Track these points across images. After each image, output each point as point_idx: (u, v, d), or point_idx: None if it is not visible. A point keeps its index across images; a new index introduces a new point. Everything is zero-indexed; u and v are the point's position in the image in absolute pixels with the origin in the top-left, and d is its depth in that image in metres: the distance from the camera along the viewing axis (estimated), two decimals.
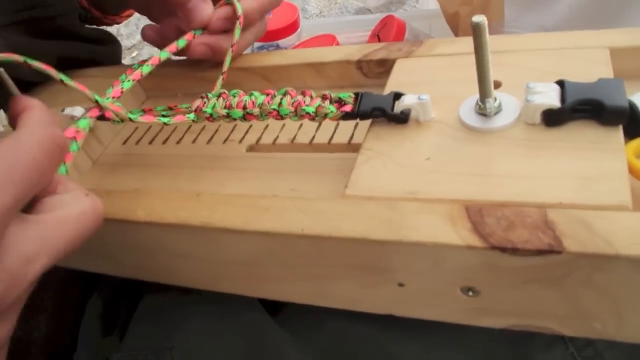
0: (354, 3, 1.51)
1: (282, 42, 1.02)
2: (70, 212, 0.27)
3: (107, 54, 0.57)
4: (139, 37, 1.54)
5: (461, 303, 0.30)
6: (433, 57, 0.39)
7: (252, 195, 0.33)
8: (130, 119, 0.37)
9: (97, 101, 0.36)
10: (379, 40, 1.07)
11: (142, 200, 0.35)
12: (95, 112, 0.37)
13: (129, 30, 1.55)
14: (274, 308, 0.42)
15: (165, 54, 0.41)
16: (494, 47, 0.30)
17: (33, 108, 0.27)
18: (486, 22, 0.29)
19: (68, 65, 0.53)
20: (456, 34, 1.01)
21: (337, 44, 0.98)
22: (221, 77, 0.42)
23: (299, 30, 1.03)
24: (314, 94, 0.36)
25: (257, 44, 1.04)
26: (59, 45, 0.51)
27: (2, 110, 0.50)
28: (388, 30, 1.04)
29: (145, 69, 0.39)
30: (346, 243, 0.29)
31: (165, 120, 0.38)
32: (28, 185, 0.24)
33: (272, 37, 1.01)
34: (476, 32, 0.29)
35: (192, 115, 0.38)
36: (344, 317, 0.38)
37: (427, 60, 0.39)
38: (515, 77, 0.34)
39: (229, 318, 0.40)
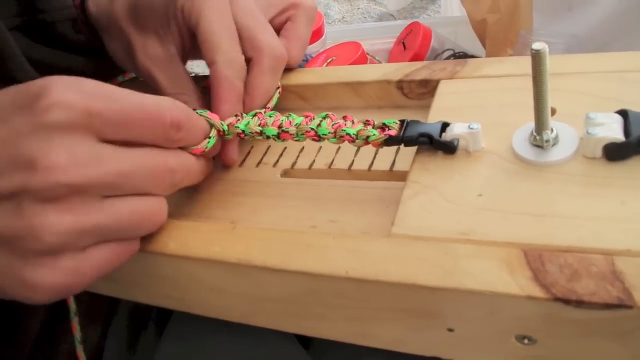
0: (377, 8, 1.49)
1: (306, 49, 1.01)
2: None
3: (118, 69, 0.56)
4: None
5: (515, 350, 0.28)
6: (479, 79, 0.37)
7: (291, 231, 0.32)
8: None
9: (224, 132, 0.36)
10: (405, 48, 1.05)
11: (173, 232, 0.33)
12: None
13: None
14: (306, 339, 0.40)
15: None
16: None
17: None
18: (547, 50, 0.27)
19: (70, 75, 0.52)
20: (483, 42, 0.99)
21: (363, 51, 0.96)
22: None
23: (323, 37, 1.01)
24: (356, 120, 0.34)
25: None
26: (59, 54, 0.50)
27: None
28: (414, 37, 1.02)
29: None
30: (394, 288, 0.27)
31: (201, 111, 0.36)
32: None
33: None
34: (536, 60, 0.27)
35: (224, 127, 0.36)
36: (381, 354, 0.36)
37: (473, 82, 0.36)
38: (571, 104, 0.32)
39: (261, 349, 0.39)
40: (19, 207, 0.26)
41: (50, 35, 0.49)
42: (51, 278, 0.27)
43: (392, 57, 1.06)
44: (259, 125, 0.36)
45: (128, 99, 0.29)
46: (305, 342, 0.40)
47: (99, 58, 0.51)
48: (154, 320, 0.48)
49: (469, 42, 1.04)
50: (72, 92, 0.27)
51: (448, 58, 1.01)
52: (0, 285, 0.27)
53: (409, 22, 1.08)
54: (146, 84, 0.47)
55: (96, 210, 0.27)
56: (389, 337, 0.31)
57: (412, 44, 1.02)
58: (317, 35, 1.00)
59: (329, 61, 0.97)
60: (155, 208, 0.31)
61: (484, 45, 0.99)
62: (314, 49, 1.01)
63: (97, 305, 0.48)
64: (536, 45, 0.27)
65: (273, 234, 0.31)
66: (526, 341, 0.27)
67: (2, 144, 0.26)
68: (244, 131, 0.36)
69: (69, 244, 0.27)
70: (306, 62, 1.02)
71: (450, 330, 0.28)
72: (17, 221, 0.26)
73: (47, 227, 0.26)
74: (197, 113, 0.34)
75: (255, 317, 0.35)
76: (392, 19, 1.43)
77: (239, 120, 0.36)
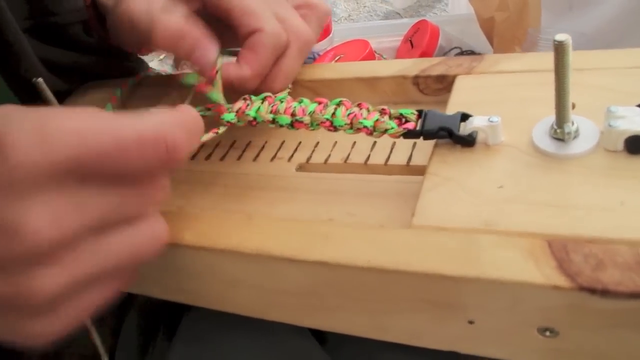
0: (383, 6, 1.49)
1: (314, 46, 1.01)
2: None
3: (127, 69, 0.56)
4: None
5: (536, 343, 0.27)
6: (496, 74, 0.36)
7: (309, 221, 0.32)
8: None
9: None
10: (412, 46, 1.05)
11: (189, 222, 0.33)
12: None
13: None
14: (321, 335, 0.40)
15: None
16: None
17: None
18: (570, 41, 0.27)
19: (80, 75, 0.53)
20: (490, 40, 0.99)
21: (371, 48, 0.97)
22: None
23: (331, 35, 1.01)
24: (371, 108, 0.34)
25: None
26: (70, 54, 0.50)
27: None
28: (421, 35, 1.03)
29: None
30: (415, 277, 0.27)
31: (204, 112, 0.35)
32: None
33: None
34: (559, 52, 0.27)
35: (232, 116, 0.35)
36: (397, 350, 0.36)
37: (490, 77, 0.36)
38: (591, 98, 0.32)
39: (276, 345, 0.38)
40: (4, 273, 0.24)
41: (61, 37, 0.49)
42: (51, 327, 0.25)
43: (399, 55, 1.06)
44: (271, 112, 0.35)
45: (107, 133, 0.24)
46: (320, 337, 0.40)
47: (110, 57, 0.51)
48: (164, 323, 0.48)
49: (476, 40, 1.04)
50: (34, 146, 0.23)
51: (455, 56, 1.01)
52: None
53: (415, 20, 1.07)
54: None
55: (89, 256, 0.25)
56: (407, 330, 0.31)
57: (420, 41, 1.02)
58: (324, 33, 1.00)
59: (336, 58, 0.97)
60: (153, 232, 0.28)
61: (491, 43, 0.99)
62: (322, 46, 1.01)
63: (106, 309, 0.48)
64: (559, 37, 0.27)
65: (291, 225, 0.31)
66: (548, 333, 0.27)
67: None
68: (255, 118, 0.35)
69: (66, 295, 0.25)
70: (313, 59, 1.02)
71: (471, 322, 0.28)
72: (6, 287, 0.24)
73: (39, 289, 0.24)
74: (200, 114, 0.32)
75: (271, 311, 0.34)
76: (398, 17, 1.43)
77: (248, 105, 0.36)
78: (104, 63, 0.52)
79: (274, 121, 0.35)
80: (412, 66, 0.39)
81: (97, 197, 0.25)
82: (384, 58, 1.05)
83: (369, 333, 0.32)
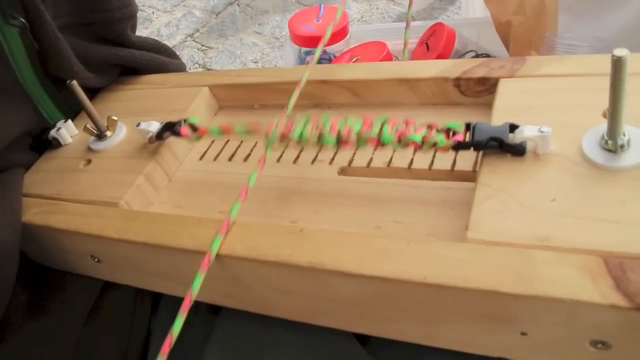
0: (396, 8, 1.49)
1: (330, 48, 1.01)
2: None
3: (164, 65, 0.56)
4: (179, 37, 1.53)
5: (587, 355, 0.28)
6: (540, 78, 0.36)
7: (363, 234, 0.31)
8: None
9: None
10: (428, 48, 1.05)
11: (238, 232, 0.33)
12: None
13: (170, 31, 1.54)
14: (363, 336, 0.40)
15: None
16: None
17: None
18: (629, 57, 0.27)
19: (117, 70, 0.53)
20: (506, 44, 0.99)
21: (388, 51, 0.96)
22: None
23: (348, 36, 1.01)
24: (417, 123, 0.34)
25: (304, 49, 1.03)
26: (112, 51, 0.50)
27: (70, 121, 0.49)
28: (437, 38, 1.02)
29: None
30: (471, 293, 0.27)
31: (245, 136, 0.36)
32: None
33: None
34: (616, 67, 0.27)
35: (273, 139, 0.35)
36: (442, 353, 0.36)
37: (534, 81, 0.36)
38: (637, 108, 0.32)
39: (318, 345, 0.38)
40: None
41: (107, 33, 0.49)
42: None
43: (415, 58, 1.06)
44: (316, 134, 0.35)
45: None
46: (361, 338, 0.40)
47: (160, 54, 0.52)
48: None
49: (492, 43, 1.04)
50: None
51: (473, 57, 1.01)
52: None
53: (430, 22, 1.07)
54: None
55: None
56: (457, 339, 0.31)
57: (436, 44, 1.02)
58: (341, 34, 1.00)
59: (353, 60, 0.97)
60: None
61: (507, 47, 0.99)
62: (338, 47, 1.01)
63: None
64: (618, 52, 0.27)
65: (344, 237, 0.31)
66: (600, 346, 0.27)
67: None
68: (299, 141, 0.35)
69: None
70: (329, 61, 1.02)
71: (523, 333, 0.28)
72: None
73: None
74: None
75: (320, 317, 0.34)
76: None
77: (289, 129, 0.35)
78: (149, 57, 0.53)
79: (319, 141, 0.35)
80: (453, 68, 0.39)
81: None
82: (400, 60, 1.04)
83: (418, 340, 0.32)
